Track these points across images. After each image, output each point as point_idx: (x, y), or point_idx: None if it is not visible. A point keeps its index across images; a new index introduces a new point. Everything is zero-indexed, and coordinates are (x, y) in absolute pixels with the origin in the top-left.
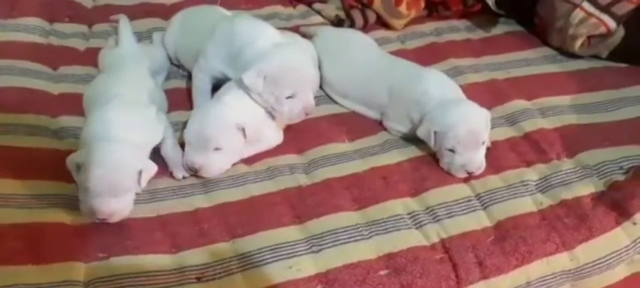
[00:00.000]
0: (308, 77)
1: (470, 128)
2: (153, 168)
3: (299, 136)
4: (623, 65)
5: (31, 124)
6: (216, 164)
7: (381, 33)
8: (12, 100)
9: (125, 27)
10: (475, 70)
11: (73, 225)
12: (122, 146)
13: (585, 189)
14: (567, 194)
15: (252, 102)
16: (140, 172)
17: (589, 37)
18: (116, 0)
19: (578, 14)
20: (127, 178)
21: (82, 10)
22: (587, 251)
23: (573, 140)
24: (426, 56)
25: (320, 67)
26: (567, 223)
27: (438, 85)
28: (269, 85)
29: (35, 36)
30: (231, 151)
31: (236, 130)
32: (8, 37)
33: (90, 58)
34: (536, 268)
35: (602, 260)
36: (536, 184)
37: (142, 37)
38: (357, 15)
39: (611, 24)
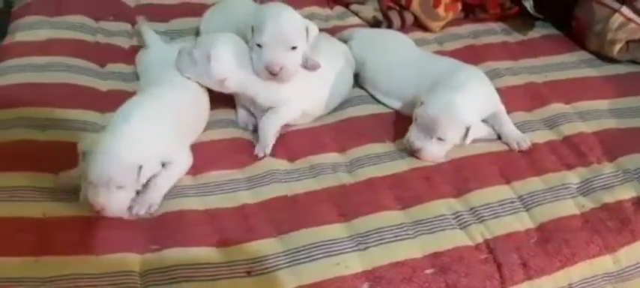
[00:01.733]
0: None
1: None
2: (155, 166)
3: (341, 135)
4: None
5: (80, 120)
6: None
7: (419, 34)
8: (62, 95)
9: (146, 30)
10: (513, 72)
11: (125, 218)
12: (124, 138)
13: (626, 193)
14: (609, 198)
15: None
16: (140, 168)
17: (627, 42)
18: (159, 0)
19: (617, 19)
20: (124, 172)
21: (125, 9)
22: (629, 254)
23: (613, 144)
24: (464, 58)
25: (362, 68)
26: (610, 226)
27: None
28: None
29: (83, 34)
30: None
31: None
32: (57, 34)
33: (132, 56)
34: (579, 270)
35: None
36: (578, 187)
37: (183, 35)
38: (394, 16)
39: None
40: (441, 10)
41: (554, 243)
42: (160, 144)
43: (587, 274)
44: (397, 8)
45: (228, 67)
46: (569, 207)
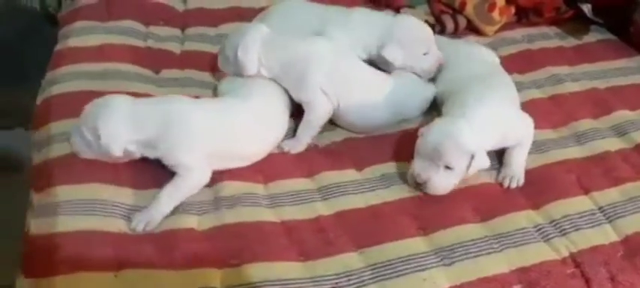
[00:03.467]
0: (430, 34)
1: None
2: None
3: (406, 145)
4: None
5: None
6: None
7: (472, 39)
8: None
9: None
10: (573, 79)
11: (201, 230)
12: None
13: None
14: None
15: None
16: None
17: None
18: (207, 3)
19: None
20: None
21: (174, 14)
22: None
23: None
24: (521, 63)
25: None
26: None
27: None
28: (407, 50)
29: (134, 39)
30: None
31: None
32: (109, 39)
33: (186, 61)
34: None
35: None
36: None
37: None
38: (448, 20)
39: None
40: (496, 14)
41: None
42: None
43: None
44: (450, 12)
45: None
46: None
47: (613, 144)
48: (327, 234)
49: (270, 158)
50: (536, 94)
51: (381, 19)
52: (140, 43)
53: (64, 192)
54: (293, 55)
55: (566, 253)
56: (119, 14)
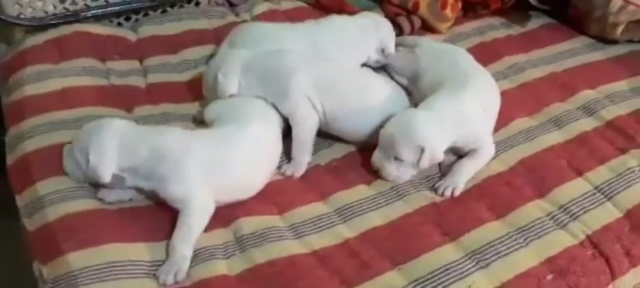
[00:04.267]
0: None
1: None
2: None
3: None
4: None
5: None
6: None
7: (428, 37)
8: None
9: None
10: (532, 65)
11: (234, 275)
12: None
13: None
14: None
15: None
16: None
17: (628, 23)
18: (158, 30)
19: (616, 3)
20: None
21: (128, 45)
22: None
23: None
24: (480, 56)
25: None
26: None
27: None
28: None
29: (97, 78)
30: None
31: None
32: (69, 82)
33: (156, 95)
34: None
35: None
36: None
37: (197, 65)
38: (403, 21)
39: None
40: (448, 11)
41: None
42: None
43: None
44: (404, 13)
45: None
46: None
47: (587, 124)
48: (361, 257)
49: (277, 186)
50: (505, 84)
51: (354, 23)
52: (103, 82)
53: (76, 260)
54: (272, 68)
55: (582, 237)
56: (71, 53)
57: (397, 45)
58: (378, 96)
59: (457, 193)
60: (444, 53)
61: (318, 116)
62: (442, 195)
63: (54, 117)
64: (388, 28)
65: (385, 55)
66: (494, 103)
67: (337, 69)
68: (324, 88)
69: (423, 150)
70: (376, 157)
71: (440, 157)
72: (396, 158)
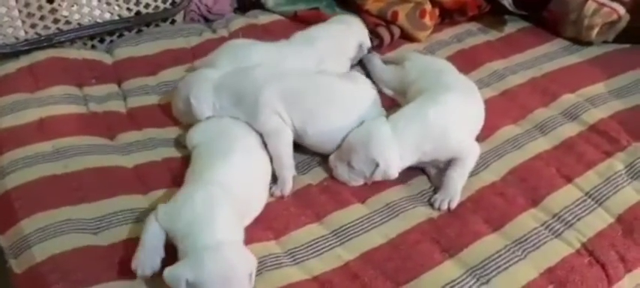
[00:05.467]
0: None
1: None
2: (254, 262)
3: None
4: (627, 46)
5: (128, 209)
6: None
7: (407, 46)
8: (93, 186)
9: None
10: (512, 71)
11: None
12: (233, 252)
13: None
14: None
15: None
16: (250, 275)
17: (602, 25)
18: (134, 52)
19: (591, 6)
20: (246, 285)
21: (104, 68)
22: None
23: (631, 124)
24: (461, 64)
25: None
26: None
27: None
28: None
29: (75, 106)
30: None
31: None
32: (48, 111)
33: (138, 119)
34: None
35: None
36: (626, 172)
37: (176, 86)
38: (383, 32)
39: (621, 10)
40: (427, 20)
41: (638, 232)
42: None
43: None
44: (384, 24)
45: None
46: (631, 194)
47: (571, 129)
48: (362, 279)
49: (271, 210)
50: (488, 92)
51: (330, 30)
52: (82, 109)
53: None
54: (241, 87)
55: (578, 245)
56: (46, 81)
57: (388, 61)
58: (347, 107)
59: (454, 205)
60: (429, 66)
61: (291, 130)
62: (439, 209)
63: (34, 149)
64: (360, 25)
65: (363, 50)
66: (475, 116)
67: (306, 81)
68: (292, 101)
69: (377, 165)
70: (333, 156)
71: (393, 174)
72: (350, 165)
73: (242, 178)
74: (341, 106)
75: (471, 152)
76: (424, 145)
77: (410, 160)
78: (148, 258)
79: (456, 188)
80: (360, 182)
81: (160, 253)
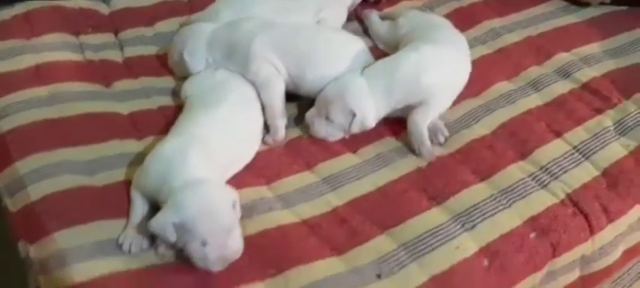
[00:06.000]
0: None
1: None
2: (235, 193)
3: (388, 120)
4: (624, 7)
5: (121, 153)
6: None
7: (406, 2)
8: (88, 129)
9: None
10: (508, 30)
11: None
12: (211, 186)
13: None
14: None
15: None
16: (234, 204)
17: None
18: (132, 2)
19: None
20: (231, 215)
21: (100, 18)
22: None
23: (623, 83)
24: (458, 22)
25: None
26: None
27: None
28: None
29: (71, 53)
30: None
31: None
32: (44, 58)
33: (134, 68)
34: None
35: None
36: (615, 129)
37: (173, 38)
38: None
39: None
40: None
41: (622, 185)
42: None
43: None
44: None
45: None
46: (618, 149)
47: (564, 86)
48: (350, 223)
49: (264, 158)
50: (483, 50)
51: None
52: (78, 57)
53: (63, 239)
54: (233, 39)
55: (563, 195)
56: (42, 28)
57: (385, 17)
58: (338, 51)
59: (424, 149)
60: (423, 22)
61: (284, 79)
62: (421, 155)
63: (29, 94)
64: None
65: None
66: (456, 72)
67: (296, 28)
68: (285, 49)
69: (354, 115)
70: (310, 113)
71: (370, 124)
72: (328, 118)
73: (225, 130)
74: (333, 52)
75: (436, 96)
76: (395, 91)
77: (384, 110)
78: (136, 234)
79: (421, 131)
80: (339, 136)
81: (147, 234)
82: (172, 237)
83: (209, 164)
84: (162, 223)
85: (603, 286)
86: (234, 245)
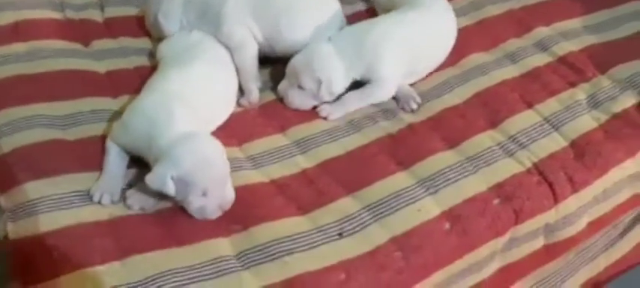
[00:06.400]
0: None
1: None
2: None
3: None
4: None
5: (96, 109)
6: None
7: None
8: (64, 85)
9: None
10: (491, 2)
11: None
12: (204, 137)
13: (628, 101)
14: (616, 107)
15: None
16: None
17: None
18: None
19: None
20: (227, 165)
21: None
22: None
23: (600, 58)
24: None
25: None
26: (626, 133)
27: None
28: None
29: (51, 11)
30: None
31: None
32: (23, 15)
33: (114, 28)
34: (611, 177)
35: None
36: (587, 102)
37: None
38: None
39: None
40: None
41: (589, 156)
42: None
43: (617, 178)
44: None
45: None
46: (588, 122)
47: (541, 59)
48: (317, 185)
49: (238, 120)
50: (464, 21)
51: None
52: (58, 16)
53: (33, 189)
54: (208, 1)
55: (529, 164)
56: None
57: None
58: (312, 10)
59: (331, 118)
60: None
61: (258, 41)
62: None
63: (7, 50)
64: None
65: None
66: (438, 36)
67: None
68: (259, 10)
69: (320, 82)
70: (282, 85)
71: (338, 89)
72: (299, 87)
73: (198, 87)
74: (310, 9)
75: (383, 83)
76: (365, 56)
77: (352, 76)
78: (108, 185)
79: (346, 105)
80: (313, 104)
81: (120, 183)
82: (171, 191)
83: (193, 119)
84: (161, 178)
85: (569, 255)
86: (230, 194)
